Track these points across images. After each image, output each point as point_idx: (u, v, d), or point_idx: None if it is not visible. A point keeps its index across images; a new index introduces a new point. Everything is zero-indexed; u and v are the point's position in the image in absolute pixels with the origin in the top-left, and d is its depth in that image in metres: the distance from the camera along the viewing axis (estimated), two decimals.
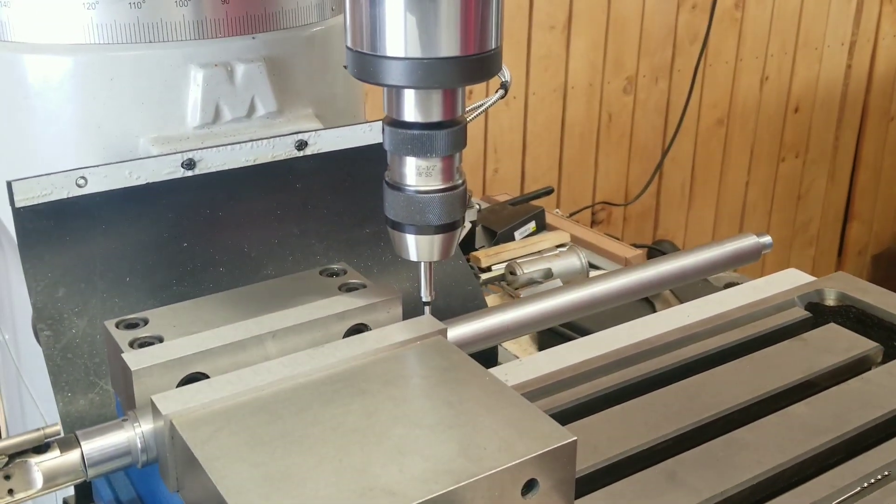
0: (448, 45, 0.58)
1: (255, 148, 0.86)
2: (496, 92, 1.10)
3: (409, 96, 0.60)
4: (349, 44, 0.60)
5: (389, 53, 0.58)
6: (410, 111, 0.61)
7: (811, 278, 0.85)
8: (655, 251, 1.70)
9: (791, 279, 0.86)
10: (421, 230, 0.63)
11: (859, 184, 2.98)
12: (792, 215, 2.87)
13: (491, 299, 1.28)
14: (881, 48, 2.78)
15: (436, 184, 0.62)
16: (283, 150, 0.88)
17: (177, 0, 0.83)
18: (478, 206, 1.58)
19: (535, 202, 1.65)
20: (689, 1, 2.29)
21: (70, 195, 0.79)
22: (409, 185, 0.62)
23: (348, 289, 0.68)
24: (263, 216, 0.87)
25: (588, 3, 2.13)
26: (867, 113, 2.87)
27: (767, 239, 0.79)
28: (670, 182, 2.50)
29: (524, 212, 1.57)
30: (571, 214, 2.23)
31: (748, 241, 0.78)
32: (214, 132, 0.87)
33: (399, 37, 0.57)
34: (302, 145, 0.88)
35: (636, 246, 1.55)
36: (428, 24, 0.57)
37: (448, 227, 0.63)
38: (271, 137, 0.87)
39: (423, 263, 0.66)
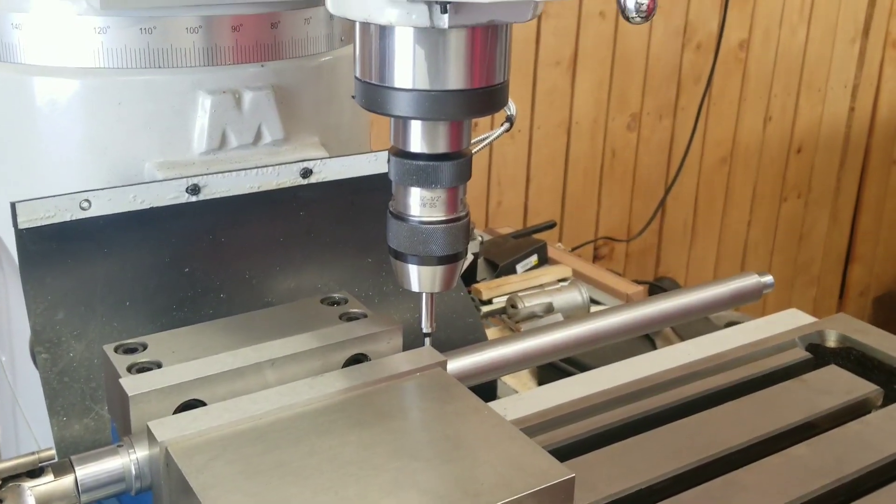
0: (456, 78, 0.58)
1: (259, 175, 0.86)
2: (501, 125, 1.11)
3: (416, 127, 0.61)
4: (358, 74, 0.60)
5: (397, 84, 0.58)
6: (417, 142, 0.61)
7: (812, 319, 0.85)
8: (657, 288, 1.70)
9: (792, 319, 0.85)
10: (424, 261, 0.63)
11: (861, 226, 2.98)
12: (793, 255, 2.87)
13: (492, 332, 1.28)
14: (884, 92, 2.80)
15: (440, 215, 0.62)
16: (288, 177, 0.88)
17: (187, 27, 0.84)
18: (480, 239, 1.58)
19: (537, 236, 1.66)
20: (694, 41, 2.31)
21: (73, 218, 0.79)
22: (413, 216, 0.62)
23: (349, 318, 0.68)
24: (266, 243, 0.87)
25: (594, 41, 2.15)
26: (869, 156, 2.89)
27: (769, 278, 0.79)
28: (672, 220, 2.50)
29: (526, 245, 1.58)
30: (574, 249, 2.23)
31: (750, 280, 0.78)
32: (220, 158, 0.88)
33: (407, 69, 0.58)
34: (307, 173, 0.89)
35: (637, 282, 1.55)
36: (436, 57, 0.57)
37: (451, 259, 0.63)
38: (277, 165, 0.87)
39: (424, 294, 0.66)
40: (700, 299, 0.76)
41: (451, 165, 0.61)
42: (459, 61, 0.58)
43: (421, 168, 0.61)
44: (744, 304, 0.76)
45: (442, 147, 0.61)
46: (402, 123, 0.61)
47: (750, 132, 2.53)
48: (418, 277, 0.63)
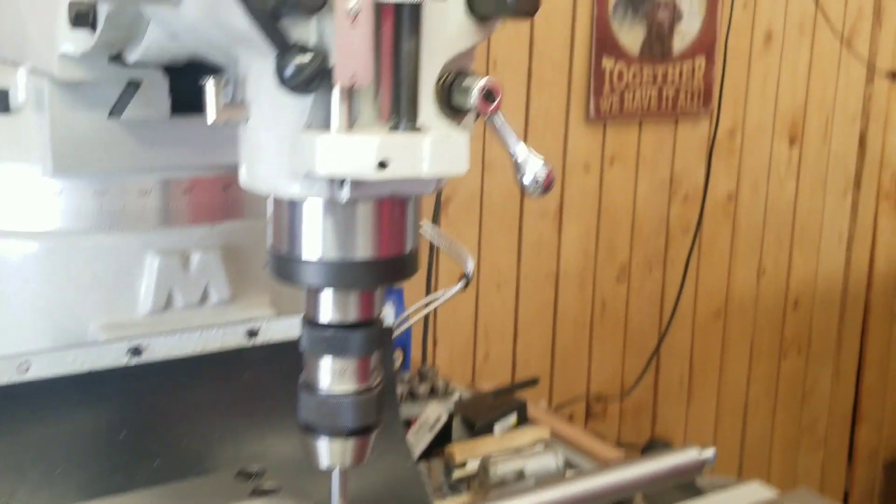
0: (364, 247, 0.58)
1: (203, 336, 0.85)
2: (458, 283, 1.11)
3: (326, 296, 0.60)
4: (269, 244, 0.60)
5: (306, 255, 0.58)
6: (327, 311, 0.60)
7: (773, 493, 0.81)
8: (648, 451, 1.63)
9: (753, 494, 0.81)
10: (334, 434, 0.60)
11: (866, 384, 2.89)
12: (797, 415, 2.77)
13: (462, 499, 1.22)
14: (880, 244, 2.79)
15: (350, 386, 0.61)
16: (233, 338, 0.87)
17: (140, 189, 0.85)
18: (458, 396, 1.54)
19: (521, 392, 1.62)
20: (681, 192, 2.34)
21: (11, 381, 0.77)
22: (324, 387, 0.61)
23: (261, 493, 0.64)
24: (207, 407, 0.85)
25: (579, 192, 2.18)
26: (870, 310, 2.84)
27: (710, 454, 0.75)
28: (668, 375, 2.45)
29: (506, 403, 1.53)
30: (562, 406, 2.17)
31: (689, 455, 0.75)
32: (165, 319, 0.87)
33: (316, 239, 0.58)
34: (253, 334, 0.87)
35: (622, 445, 1.49)
36: (345, 228, 0.57)
37: (362, 431, 0.61)
38: (222, 326, 0.86)
39: (336, 471, 0.63)
40: (637, 476, 0.72)
41: (361, 335, 0.60)
42: (367, 231, 0.57)
43: (330, 337, 0.60)
44: (685, 478, 0.72)
45: (352, 316, 0.60)
46: (312, 293, 0.60)
47: (743, 285, 2.52)
48: (328, 452, 0.61)
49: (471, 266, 1.09)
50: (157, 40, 0.66)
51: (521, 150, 0.55)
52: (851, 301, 2.78)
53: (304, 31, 0.51)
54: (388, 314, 0.96)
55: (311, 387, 0.61)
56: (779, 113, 2.45)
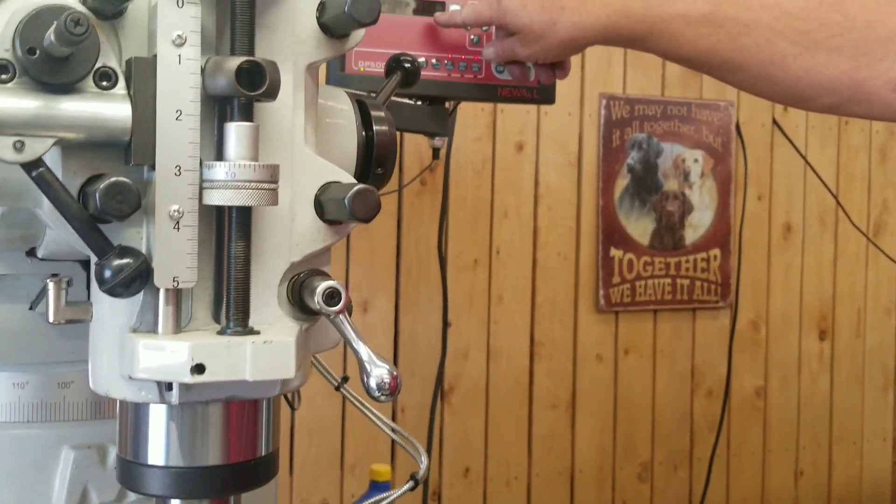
0: (214, 452, 0.55)
1: None
2: (406, 483, 1.05)
3: None
4: (117, 450, 0.58)
5: (151, 461, 0.55)
6: None
7: None
8: None
9: None
10: None
11: None
12: None
13: None
14: None
15: None
16: None
17: (60, 381, 0.85)
18: None
19: None
20: (704, 387, 2.23)
21: None
22: None
23: None
24: None
25: (592, 383, 2.10)
26: None
27: None
28: None
29: None
30: None
31: None
32: None
33: (160, 444, 0.55)
34: None
35: None
36: (193, 432, 0.55)
37: None
38: None
39: None
40: None
41: None
42: (216, 435, 0.55)
43: None
44: None
45: None
46: (162, 501, 0.57)
47: (780, 487, 2.33)
48: None
49: (424, 463, 1.04)
50: (53, 238, 0.68)
51: (364, 353, 0.53)
52: None
53: (134, 234, 0.51)
54: None
55: None
56: (805, 305, 2.36)
